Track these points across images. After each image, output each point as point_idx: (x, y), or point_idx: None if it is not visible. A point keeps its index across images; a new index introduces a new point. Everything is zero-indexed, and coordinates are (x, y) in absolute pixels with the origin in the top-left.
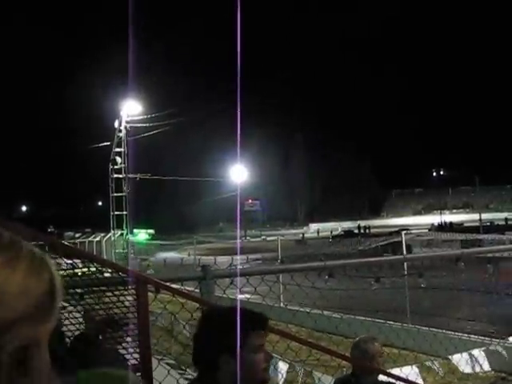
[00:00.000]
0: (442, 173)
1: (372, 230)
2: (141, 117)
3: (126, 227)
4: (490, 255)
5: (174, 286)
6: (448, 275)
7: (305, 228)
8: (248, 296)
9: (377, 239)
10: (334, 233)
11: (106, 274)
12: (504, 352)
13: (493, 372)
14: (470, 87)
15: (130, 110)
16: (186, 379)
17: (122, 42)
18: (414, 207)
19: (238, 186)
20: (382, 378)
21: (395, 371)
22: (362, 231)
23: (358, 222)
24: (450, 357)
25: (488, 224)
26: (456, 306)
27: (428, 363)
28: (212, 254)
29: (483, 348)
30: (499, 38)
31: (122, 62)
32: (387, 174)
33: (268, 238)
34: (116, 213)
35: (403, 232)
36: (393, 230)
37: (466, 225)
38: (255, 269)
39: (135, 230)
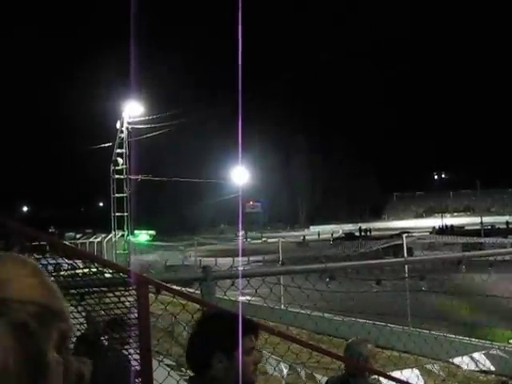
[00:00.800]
0: (443, 176)
1: (373, 233)
2: (142, 118)
3: (127, 228)
4: (491, 258)
5: (174, 286)
6: (449, 278)
7: (306, 230)
8: (249, 298)
9: (378, 242)
10: (335, 235)
11: (107, 275)
12: (505, 355)
13: (493, 375)
14: (472, 91)
15: (132, 110)
16: (186, 380)
17: (125, 43)
18: (415, 210)
19: (239, 187)
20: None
21: (396, 374)
22: (362, 234)
23: (359, 224)
24: (450, 360)
25: (489, 227)
26: (457, 309)
27: (429, 366)
28: (213, 255)
29: (484, 351)
30: (503, 41)
31: (124, 62)
32: (388, 177)
33: (269, 240)
34: (117, 214)
35: (404, 235)
36: (394, 232)
37: (467, 228)
38: (256, 270)
39: (136, 231)
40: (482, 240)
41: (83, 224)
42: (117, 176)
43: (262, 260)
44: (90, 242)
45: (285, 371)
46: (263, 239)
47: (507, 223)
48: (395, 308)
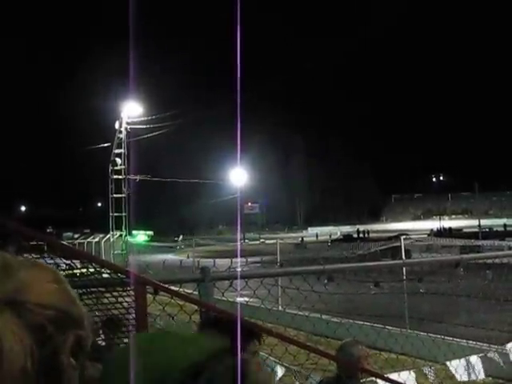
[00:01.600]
0: (441, 178)
1: (371, 235)
2: (141, 118)
3: (125, 228)
4: (489, 261)
5: (172, 287)
6: (447, 281)
7: (304, 232)
8: (247, 299)
9: (376, 244)
10: (333, 237)
11: (105, 275)
12: (502, 359)
13: (490, 378)
14: (471, 94)
15: (131, 111)
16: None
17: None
18: (413, 212)
19: (237, 188)
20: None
21: (393, 376)
22: (361, 236)
23: (357, 226)
24: (447, 362)
25: (487, 230)
26: (454, 312)
27: (425, 369)
28: (211, 256)
29: (481, 354)
30: (503, 43)
31: (122, 63)
32: (387, 179)
33: (267, 241)
34: (115, 214)
35: (402, 237)
36: (392, 234)
37: (465, 231)
38: (254, 272)
39: (134, 232)
40: (479, 243)
41: (81, 224)
42: (115, 176)
43: (260, 261)
44: (88, 242)
45: (279, 372)
46: (261, 240)
47: (505, 226)
48: (393, 310)
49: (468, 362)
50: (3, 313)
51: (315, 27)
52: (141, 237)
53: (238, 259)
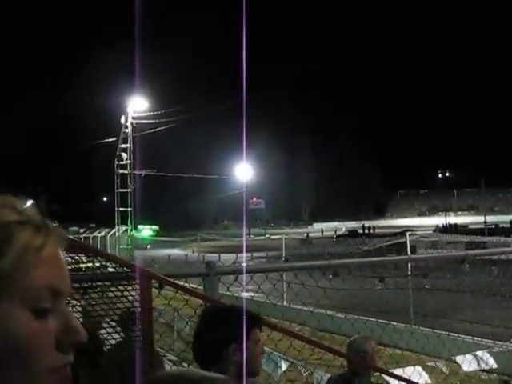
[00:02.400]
0: (447, 174)
1: (376, 231)
2: (147, 113)
3: (131, 223)
4: (495, 257)
5: (177, 282)
6: (452, 277)
7: (309, 227)
8: (252, 294)
9: (381, 240)
10: (339, 232)
11: (110, 269)
12: (507, 355)
13: (495, 374)
14: (476, 90)
15: (137, 106)
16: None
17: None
18: (418, 208)
19: (243, 184)
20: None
21: (398, 372)
22: (366, 231)
23: (363, 222)
24: (452, 358)
25: (493, 226)
26: (459, 308)
27: (431, 364)
28: (216, 251)
29: (486, 350)
30: (505, 39)
31: (129, 58)
32: (393, 175)
33: (272, 237)
34: (121, 209)
35: (408, 233)
36: (397, 230)
37: (470, 227)
38: (259, 267)
39: (140, 226)
40: (485, 239)
41: (87, 219)
42: (121, 171)
43: (265, 256)
44: (94, 237)
45: (284, 367)
46: (266, 236)
47: (511, 222)
48: (398, 306)
49: (473, 358)
50: None
51: (321, 25)
52: (146, 231)
53: (244, 254)
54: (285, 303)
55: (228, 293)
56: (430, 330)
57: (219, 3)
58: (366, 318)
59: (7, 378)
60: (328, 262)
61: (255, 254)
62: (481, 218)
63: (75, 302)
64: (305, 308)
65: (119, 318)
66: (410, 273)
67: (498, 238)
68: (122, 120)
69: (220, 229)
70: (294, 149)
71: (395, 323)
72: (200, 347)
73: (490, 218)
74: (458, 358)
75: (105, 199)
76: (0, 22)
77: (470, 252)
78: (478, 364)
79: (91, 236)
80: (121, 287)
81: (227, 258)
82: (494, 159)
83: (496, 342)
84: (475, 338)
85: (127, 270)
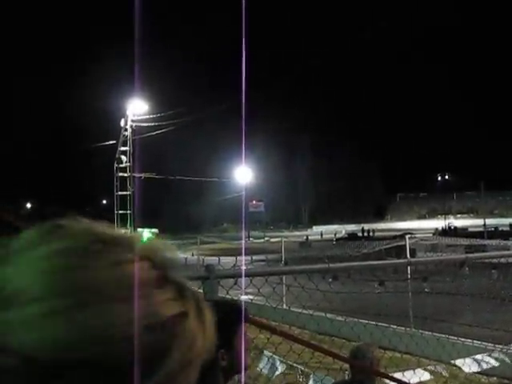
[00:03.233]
0: (447, 177)
1: (376, 234)
2: (146, 116)
3: (130, 226)
4: (495, 261)
5: None
6: (451, 280)
7: (309, 230)
8: (251, 297)
9: (381, 243)
10: (338, 235)
11: None
12: (507, 358)
13: (495, 378)
14: (475, 93)
15: (136, 109)
16: None
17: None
18: (418, 211)
19: (242, 186)
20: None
21: (398, 375)
22: (365, 234)
23: (362, 225)
24: (452, 362)
25: (492, 229)
26: (459, 311)
27: (430, 367)
28: (215, 254)
29: (486, 353)
30: (506, 41)
31: (128, 60)
32: (392, 178)
33: (272, 240)
34: (120, 211)
35: (407, 236)
36: (397, 233)
37: (470, 230)
38: (259, 270)
39: (139, 229)
40: (485, 242)
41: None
42: (120, 174)
43: (264, 259)
44: None
45: (280, 369)
46: (266, 239)
47: (510, 225)
48: (397, 309)
49: (473, 361)
50: None
51: (321, 24)
52: (145, 234)
53: (243, 257)
54: (284, 306)
55: (228, 296)
56: (430, 333)
57: (219, 3)
58: (366, 321)
59: None
60: (328, 265)
61: (255, 257)
62: (480, 221)
63: None
64: (304, 311)
65: None
66: (409, 276)
67: (498, 241)
68: (122, 123)
69: (219, 231)
70: (294, 152)
71: (395, 326)
72: None
73: (490, 221)
74: (458, 362)
75: (104, 202)
76: (0, 24)
77: (470, 255)
78: (478, 367)
79: None
80: None
81: (227, 260)
82: (494, 162)
83: (496, 345)
84: (475, 342)
85: None
